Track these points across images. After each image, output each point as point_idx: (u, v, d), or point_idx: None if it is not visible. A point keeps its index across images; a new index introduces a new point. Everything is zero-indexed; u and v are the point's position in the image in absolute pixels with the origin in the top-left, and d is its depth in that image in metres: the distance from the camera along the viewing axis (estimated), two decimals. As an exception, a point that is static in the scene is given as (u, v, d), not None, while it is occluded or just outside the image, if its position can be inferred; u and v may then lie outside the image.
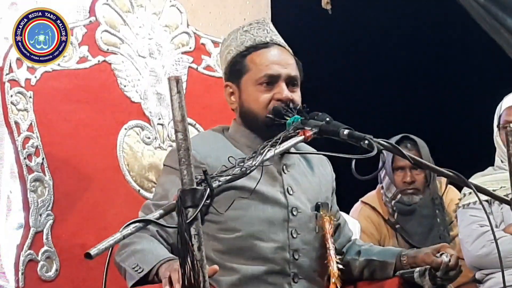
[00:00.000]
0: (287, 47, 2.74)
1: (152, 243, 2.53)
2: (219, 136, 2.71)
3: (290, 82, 2.66)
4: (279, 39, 2.74)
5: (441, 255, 2.58)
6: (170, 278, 2.25)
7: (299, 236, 2.63)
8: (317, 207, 2.67)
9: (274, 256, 2.59)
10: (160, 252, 2.48)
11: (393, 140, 4.24)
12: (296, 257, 2.61)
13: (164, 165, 2.72)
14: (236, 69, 2.70)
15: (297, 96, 2.66)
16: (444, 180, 4.43)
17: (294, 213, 2.63)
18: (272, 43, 2.70)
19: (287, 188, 2.65)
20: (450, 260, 2.56)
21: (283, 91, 2.63)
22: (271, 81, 2.64)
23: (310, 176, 2.75)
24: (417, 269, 2.61)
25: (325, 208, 2.68)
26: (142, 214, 2.51)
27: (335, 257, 2.62)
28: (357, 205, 4.47)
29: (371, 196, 4.44)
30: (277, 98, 2.63)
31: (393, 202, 4.33)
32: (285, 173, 2.66)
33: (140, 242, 2.52)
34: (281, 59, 2.67)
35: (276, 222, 2.61)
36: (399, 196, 4.32)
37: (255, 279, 2.57)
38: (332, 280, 2.57)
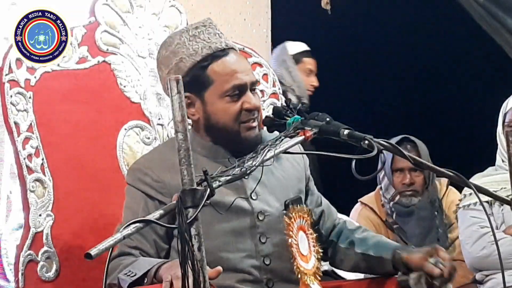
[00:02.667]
0: (236, 48, 2.67)
1: (142, 257, 2.51)
2: (174, 150, 2.47)
3: (252, 88, 2.61)
4: (230, 42, 2.65)
5: (435, 262, 2.55)
6: (171, 284, 2.23)
7: (268, 240, 2.58)
8: (286, 206, 2.60)
9: (242, 266, 2.54)
10: (153, 260, 2.46)
11: (392, 141, 4.23)
12: (267, 262, 2.57)
13: (127, 183, 2.68)
14: (197, 81, 2.57)
15: (258, 102, 2.62)
16: (444, 181, 4.42)
17: (261, 217, 2.58)
18: (228, 49, 2.60)
19: (250, 194, 2.58)
20: (444, 269, 2.51)
21: (251, 100, 2.57)
22: (239, 91, 2.57)
23: (277, 171, 2.67)
24: (412, 276, 2.58)
25: (296, 203, 2.60)
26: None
27: (314, 250, 2.58)
28: (357, 206, 4.47)
29: (369, 197, 4.45)
30: (246, 108, 2.56)
31: (391, 203, 4.33)
32: (246, 178, 2.49)
33: (129, 258, 2.51)
34: (242, 66, 2.60)
35: (242, 230, 2.56)
36: (397, 197, 4.32)
37: None
38: (305, 278, 2.51)
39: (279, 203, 2.62)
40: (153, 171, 2.59)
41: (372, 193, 4.46)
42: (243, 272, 2.55)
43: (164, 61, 2.63)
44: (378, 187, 4.43)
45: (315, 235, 2.63)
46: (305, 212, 2.60)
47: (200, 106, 2.59)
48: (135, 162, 2.74)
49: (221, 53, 2.58)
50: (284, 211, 2.59)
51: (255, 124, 2.60)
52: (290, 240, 2.52)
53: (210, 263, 2.36)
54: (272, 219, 2.59)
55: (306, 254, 2.56)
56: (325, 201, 2.85)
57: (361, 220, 4.34)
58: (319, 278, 2.57)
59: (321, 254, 2.61)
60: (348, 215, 4.42)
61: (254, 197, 2.59)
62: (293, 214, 2.56)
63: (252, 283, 2.55)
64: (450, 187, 4.39)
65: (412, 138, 4.34)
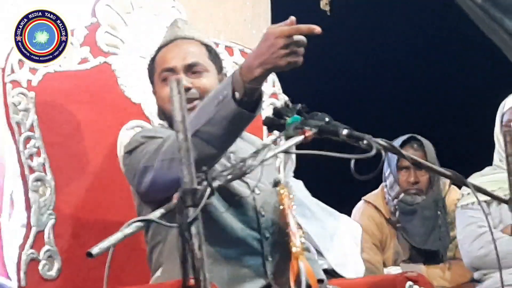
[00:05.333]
0: (196, 37, 2.73)
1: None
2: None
3: (190, 70, 2.67)
4: (184, 32, 2.74)
5: None
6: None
7: (266, 214, 2.62)
8: (275, 184, 2.67)
9: (245, 236, 2.56)
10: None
11: (400, 140, 4.25)
12: (267, 235, 2.60)
13: (125, 152, 2.62)
14: (150, 74, 2.77)
15: (200, 82, 2.65)
16: (447, 180, 4.42)
17: (257, 191, 2.62)
18: (176, 39, 2.73)
19: None
20: None
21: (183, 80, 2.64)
22: (172, 73, 2.66)
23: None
24: None
25: (282, 183, 2.68)
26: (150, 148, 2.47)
27: (298, 231, 2.61)
28: (360, 204, 4.47)
29: (374, 195, 4.45)
30: None
31: (395, 201, 4.33)
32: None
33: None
34: (178, 51, 2.69)
35: (243, 203, 2.59)
36: (402, 195, 4.32)
37: (229, 261, 2.52)
38: (298, 253, 2.55)
39: (268, 182, 2.67)
40: (150, 131, 2.65)
41: (376, 191, 4.46)
42: (244, 243, 2.56)
43: None
44: (383, 184, 4.43)
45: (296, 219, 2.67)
46: (290, 193, 2.66)
47: (155, 94, 2.75)
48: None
49: (166, 44, 2.73)
50: (276, 188, 2.65)
51: (190, 105, 2.57)
52: (285, 211, 2.59)
53: (214, 233, 2.37)
54: (267, 194, 2.64)
55: (294, 232, 2.60)
56: None
57: (364, 218, 4.35)
58: (305, 256, 2.60)
59: (303, 237, 2.65)
60: (350, 212, 4.44)
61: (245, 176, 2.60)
62: (283, 191, 2.63)
63: (252, 255, 2.57)
64: (452, 186, 4.40)
65: (419, 137, 4.34)
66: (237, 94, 2.30)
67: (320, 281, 2.70)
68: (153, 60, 2.76)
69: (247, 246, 2.58)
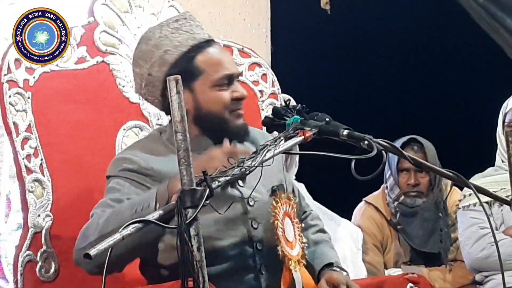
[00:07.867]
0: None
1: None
2: (158, 142, 2.66)
3: (237, 79, 2.68)
4: (209, 33, 2.73)
5: None
6: None
7: (260, 225, 2.57)
8: (273, 192, 2.62)
9: (235, 253, 2.53)
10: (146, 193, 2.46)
11: (400, 141, 4.23)
12: (260, 247, 2.56)
13: (108, 176, 2.62)
14: (185, 72, 2.52)
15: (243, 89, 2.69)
16: (448, 181, 4.41)
17: (251, 203, 2.58)
18: (210, 40, 2.67)
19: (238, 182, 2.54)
20: None
21: (239, 89, 2.64)
22: (228, 80, 2.62)
23: None
24: None
25: (281, 190, 2.63)
26: (98, 211, 2.49)
27: (299, 238, 2.58)
28: (361, 205, 4.46)
29: (375, 196, 4.43)
30: (235, 96, 2.61)
31: (396, 203, 4.32)
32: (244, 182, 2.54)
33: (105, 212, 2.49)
34: (229, 58, 2.72)
35: (235, 217, 2.55)
36: (402, 197, 4.31)
37: (220, 278, 2.46)
38: (290, 263, 2.52)
39: (266, 190, 2.63)
40: (141, 158, 2.59)
41: (377, 192, 4.45)
42: (234, 259, 2.53)
43: (145, 55, 2.64)
44: (384, 185, 4.42)
45: (301, 225, 2.64)
46: (292, 200, 2.62)
47: (189, 96, 2.58)
48: (117, 155, 2.72)
49: (205, 44, 2.64)
50: (273, 197, 2.60)
51: (242, 112, 2.64)
52: (275, 223, 2.53)
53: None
54: (262, 205, 2.60)
55: (291, 241, 2.56)
56: (296, 187, 2.88)
57: (364, 219, 4.33)
58: (302, 266, 2.56)
59: (306, 244, 2.62)
60: (351, 213, 4.42)
61: (241, 185, 2.55)
62: (280, 199, 2.58)
63: (244, 270, 2.54)
64: (454, 187, 4.39)
65: (420, 139, 4.32)
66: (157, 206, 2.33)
67: (330, 264, 2.68)
68: (190, 58, 2.60)
69: (239, 260, 2.54)
